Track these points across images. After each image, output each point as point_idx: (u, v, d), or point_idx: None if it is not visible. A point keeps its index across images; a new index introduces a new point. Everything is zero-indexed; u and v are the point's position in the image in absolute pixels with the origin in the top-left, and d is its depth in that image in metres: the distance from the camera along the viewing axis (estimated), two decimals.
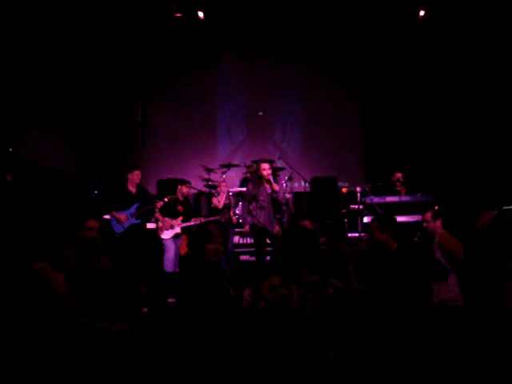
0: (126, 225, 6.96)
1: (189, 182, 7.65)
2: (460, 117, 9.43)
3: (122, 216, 6.95)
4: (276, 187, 6.69)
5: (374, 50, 10.48)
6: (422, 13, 9.18)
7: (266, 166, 6.73)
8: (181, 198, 7.44)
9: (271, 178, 6.70)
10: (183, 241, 7.48)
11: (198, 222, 7.34)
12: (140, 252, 7.17)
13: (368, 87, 10.95)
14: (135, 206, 7.07)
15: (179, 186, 7.41)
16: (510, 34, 8.44)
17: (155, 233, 8.25)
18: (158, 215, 7.26)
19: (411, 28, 9.61)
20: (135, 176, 7.17)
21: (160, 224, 7.24)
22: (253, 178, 7.12)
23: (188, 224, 7.31)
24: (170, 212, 7.25)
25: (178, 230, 7.22)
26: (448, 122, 9.65)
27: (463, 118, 9.38)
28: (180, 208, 7.30)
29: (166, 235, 7.19)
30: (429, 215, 5.05)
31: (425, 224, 5.07)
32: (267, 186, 6.68)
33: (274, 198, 6.72)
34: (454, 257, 4.62)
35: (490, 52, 8.84)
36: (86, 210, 7.61)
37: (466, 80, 9.32)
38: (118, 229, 6.94)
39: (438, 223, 4.99)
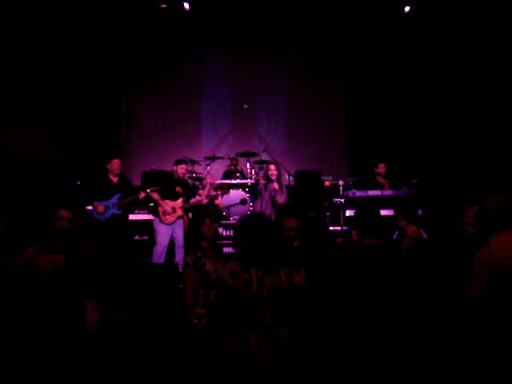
0: (107, 215, 6.91)
1: (184, 162, 7.29)
2: (445, 109, 9.50)
3: (100, 207, 6.89)
4: (276, 186, 6.96)
5: (357, 43, 10.54)
6: (407, 8, 9.25)
7: (272, 166, 7.34)
8: (177, 179, 7.15)
9: (274, 177, 7.16)
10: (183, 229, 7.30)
11: (200, 201, 7.28)
12: (121, 242, 7.09)
13: (352, 80, 11.01)
14: (117, 196, 7.00)
15: (174, 167, 7.13)
16: (493, 26, 8.53)
17: (139, 223, 8.25)
18: (157, 199, 6.95)
19: (396, 20, 9.70)
20: (114, 165, 7.05)
21: (161, 208, 6.93)
22: (264, 177, 7.48)
23: (190, 204, 7.13)
24: (169, 194, 7.00)
25: (180, 212, 6.99)
26: (433, 115, 9.71)
27: (448, 111, 9.44)
28: (178, 189, 7.05)
29: (169, 219, 6.92)
30: (403, 222, 5.24)
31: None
32: (270, 185, 7.17)
33: (272, 198, 7.03)
34: None
35: (474, 43, 8.90)
36: (67, 200, 7.54)
37: (450, 72, 9.38)
38: (99, 219, 6.90)
39: (414, 227, 5.15)
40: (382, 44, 10.31)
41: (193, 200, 7.23)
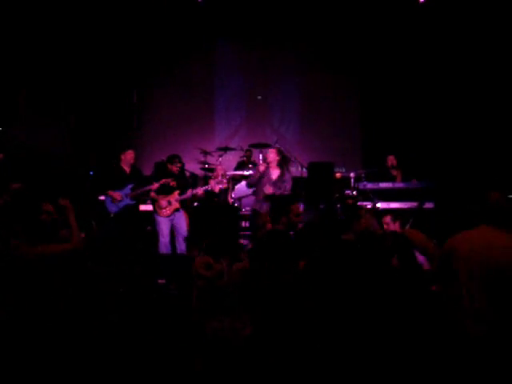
0: (121, 205, 6.99)
1: (177, 157, 7.26)
2: (458, 102, 9.41)
3: (117, 194, 6.97)
4: (275, 172, 6.85)
5: (372, 36, 10.45)
6: None
7: (271, 150, 7.06)
8: (171, 173, 7.20)
9: (273, 163, 6.86)
10: (186, 220, 7.35)
11: (196, 193, 7.29)
12: (134, 232, 7.17)
13: (366, 73, 10.89)
14: (129, 186, 7.07)
15: (168, 165, 7.19)
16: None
17: (150, 214, 8.27)
18: (153, 195, 7.06)
19: (410, 15, 9.62)
20: (128, 156, 7.16)
21: (157, 204, 7.05)
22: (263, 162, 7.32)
23: (185, 196, 7.15)
24: (164, 189, 7.08)
25: (176, 204, 7.05)
26: (446, 108, 9.63)
27: (461, 104, 9.36)
28: (173, 183, 7.10)
29: (166, 213, 6.99)
30: (388, 218, 5.16)
31: (385, 227, 5.15)
32: (272, 171, 6.90)
33: (275, 184, 6.87)
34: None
35: (488, 39, 8.81)
36: (80, 191, 7.63)
37: (463, 66, 9.28)
38: (112, 208, 6.98)
39: (397, 225, 5.09)
40: (396, 38, 10.19)
41: (189, 192, 7.21)
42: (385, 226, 5.19)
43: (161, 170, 7.45)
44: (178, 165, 7.20)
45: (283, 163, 7.02)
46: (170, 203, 7.02)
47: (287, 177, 6.91)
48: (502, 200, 3.17)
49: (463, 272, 3.01)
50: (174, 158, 7.20)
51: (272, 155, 6.95)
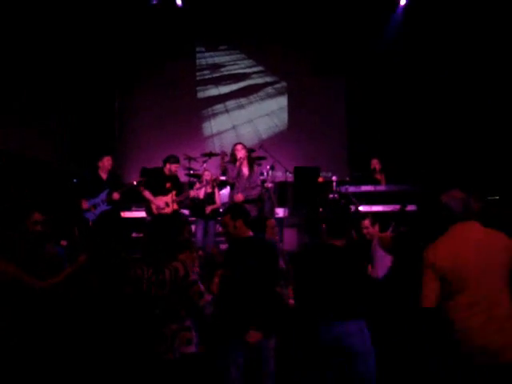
0: (97, 212, 6.89)
1: (177, 160, 7.25)
2: (443, 105, 9.47)
3: (84, 204, 6.85)
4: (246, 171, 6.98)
5: (357, 39, 10.46)
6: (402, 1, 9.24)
7: (239, 146, 7.05)
8: (167, 175, 7.18)
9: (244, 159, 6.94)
10: None
11: (194, 194, 7.27)
12: (116, 238, 7.09)
13: (352, 76, 10.92)
14: (105, 192, 6.97)
15: (168, 164, 7.12)
16: (493, 20, 8.47)
17: (135, 220, 8.20)
18: (148, 196, 6.98)
19: (394, 18, 9.66)
20: (106, 162, 7.05)
21: (154, 205, 6.95)
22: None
23: (182, 197, 7.14)
24: (159, 191, 7.04)
25: (175, 205, 6.98)
26: (431, 111, 9.67)
27: (446, 106, 9.41)
28: (168, 185, 7.07)
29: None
30: (366, 222, 5.18)
31: (365, 231, 5.16)
32: (244, 169, 6.95)
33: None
34: None
35: (472, 39, 8.86)
36: (63, 199, 7.58)
37: (450, 68, 9.33)
38: (90, 216, 6.90)
39: (377, 228, 5.13)
40: (380, 41, 10.22)
41: (184, 194, 7.25)
42: (364, 230, 5.21)
43: (153, 174, 7.33)
44: (177, 165, 7.17)
45: (251, 158, 7.18)
46: (167, 205, 6.97)
47: (256, 170, 7.15)
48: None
49: None
50: (174, 160, 7.17)
51: (243, 151, 7.02)
